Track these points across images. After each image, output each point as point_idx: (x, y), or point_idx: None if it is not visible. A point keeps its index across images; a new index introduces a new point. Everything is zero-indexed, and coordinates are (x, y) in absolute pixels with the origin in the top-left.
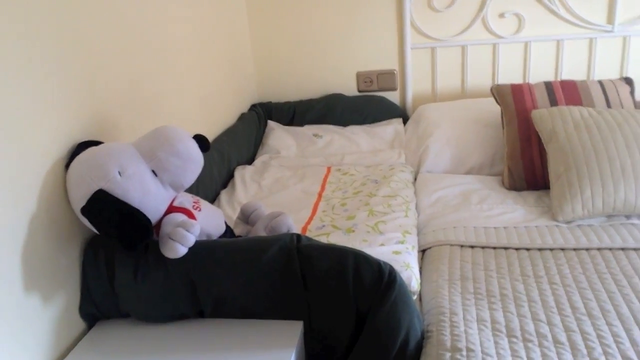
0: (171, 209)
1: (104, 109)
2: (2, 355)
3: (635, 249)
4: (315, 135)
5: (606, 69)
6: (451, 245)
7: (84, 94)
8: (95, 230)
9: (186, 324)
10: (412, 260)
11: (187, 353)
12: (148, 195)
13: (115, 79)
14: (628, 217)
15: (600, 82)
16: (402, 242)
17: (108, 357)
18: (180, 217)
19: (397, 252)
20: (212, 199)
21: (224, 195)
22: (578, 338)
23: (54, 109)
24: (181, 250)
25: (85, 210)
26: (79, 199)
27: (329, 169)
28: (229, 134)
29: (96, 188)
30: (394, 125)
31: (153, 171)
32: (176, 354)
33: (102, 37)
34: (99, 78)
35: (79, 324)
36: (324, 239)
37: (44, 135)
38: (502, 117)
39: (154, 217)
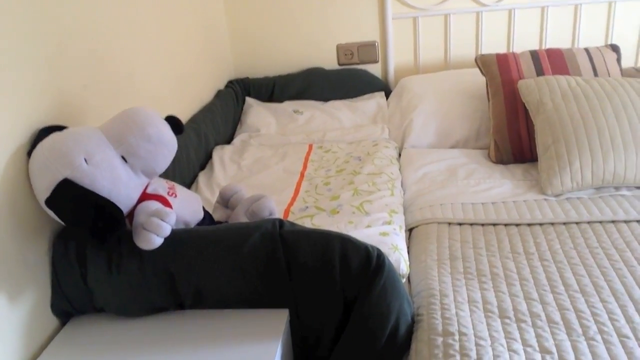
0: (144, 197)
1: (68, 89)
2: None
3: (625, 221)
4: (296, 111)
5: (591, 36)
6: (439, 223)
7: (44, 72)
8: (63, 223)
9: (165, 316)
10: (400, 241)
11: (168, 347)
12: (118, 183)
13: (79, 56)
14: (617, 188)
15: (587, 50)
16: (389, 223)
17: (84, 354)
18: (154, 205)
19: (384, 234)
20: (190, 181)
21: (202, 177)
22: (572, 316)
23: (11, 90)
24: (156, 241)
25: (50, 202)
26: (43, 190)
27: (310, 146)
28: (205, 113)
29: (61, 177)
30: (377, 99)
31: (123, 157)
32: (156, 348)
33: (65, 9)
34: (62, 55)
35: (52, 321)
36: (307, 222)
37: (2, 120)
38: (487, 89)
39: (125, 206)
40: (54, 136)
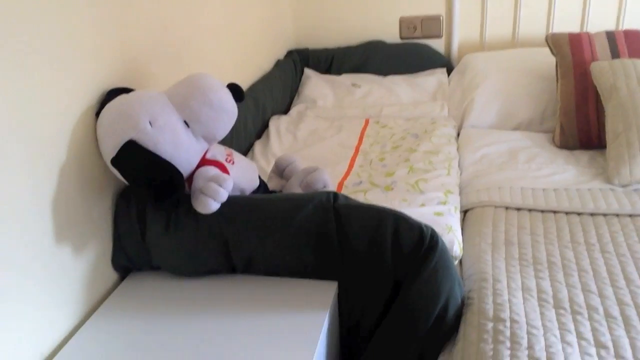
0: (204, 162)
1: (135, 54)
2: (34, 307)
3: None
4: (354, 84)
5: None
6: (496, 206)
7: (113, 37)
8: (126, 182)
9: (218, 279)
10: (455, 222)
11: (218, 309)
12: (180, 148)
13: (145, 22)
14: None
15: None
16: (444, 203)
17: (140, 308)
18: (212, 170)
19: (438, 214)
20: (246, 149)
21: (258, 146)
22: (632, 312)
23: (83, 53)
24: (213, 206)
25: (115, 162)
26: (110, 150)
27: (367, 121)
28: (264, 82)
29: (127, 138)
30: (437, 76)
31: (185, 122)
32: (207, 308)
33: None
34: (129, 21)
35: (112, 275)
36: (360, 197)
37: (73, 81)
38: (556, 69)
39: (185, 170)
40: (120, 98)
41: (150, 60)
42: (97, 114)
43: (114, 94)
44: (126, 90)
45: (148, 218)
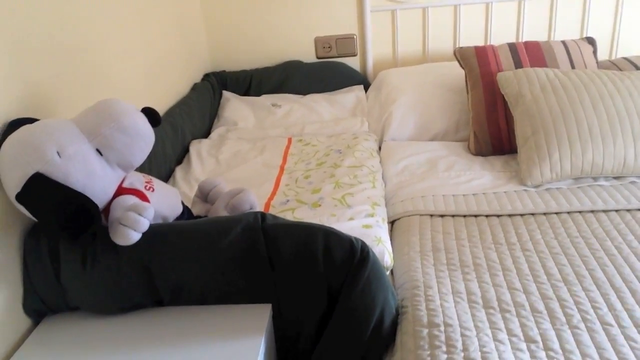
0: (121, 191)
1: (38, 80)
2: None
3: (604, 211)
4: (274, 105)
5: (567, 29)
6: (421, 215)
7: (13, 62)
8: (35, 218)
9: (143, 313)
10: (384, 233)
11: (145, 345)
12: (93, 177)
13: (50, 45)
14: (595, 179)
15: (564, 43)
16: (371, 215)
17: (58, 354)
18: (131, 199)
19: (367, 226)
20: (166, 176)
21: (179, 171)
22: (556, 305)
23: None
24: (134, 237)
25: (21, 197)
26: (14, 185)
27: (289, 139)
28: (181, 106)
29: (32, 172)
30: (355, 92)
31: (98, 150)
32: (133, 346)
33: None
34: (32, 44)
35: (24, 321)
36: (289, 215)
37: None
38: (466, 81)
39: (101, 201)
40: (24, 129)
41: (57, 87)
42: None
43: (16, 125)
44: (30, 121)
45: (62, 255)
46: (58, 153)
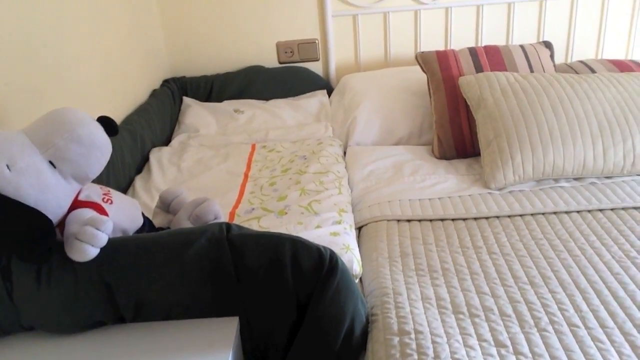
0: (76, 204)
1: None
2: None
3: (566, 212)
4: (236, 110)
5: (524, 34)
6: (388, 220)
7: None
8: None
9: (104, 332)
10: (352, 241)
11: None
12: (46, 191)
13: None
14: (556, 180)
15: (522, 47)
16: (339, 222)
17: None
18: (88, 213)
19: (335, 234)
20: (126, 186)
21: (138, 181)
22: (524, 308)
23: None
24: (91, 252)
25: None
26: None
27: (253, 146)
28: (140, 113)
29: None
30: (319, 97)
31: (51, 162)
32: None
33: None
34: None
35: None
36: (255, 224)
37: None
38: (428, 85)
39: (55, 215)
40: None
41: (6, 95)
42: None
43: None
44: None
45: (14, 274)
46: (7, 166)
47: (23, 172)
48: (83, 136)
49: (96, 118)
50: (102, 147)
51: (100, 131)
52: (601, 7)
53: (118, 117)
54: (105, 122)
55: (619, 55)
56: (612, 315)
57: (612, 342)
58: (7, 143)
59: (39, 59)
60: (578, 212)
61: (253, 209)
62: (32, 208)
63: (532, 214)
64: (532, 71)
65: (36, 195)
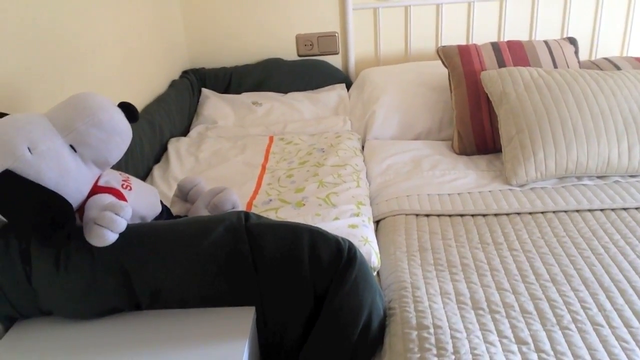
0: (96, 190)
1: (9, 72)
2: None
3: (589, 210)
4: (254, 103)
5: (548, 29)
6: (406, 214)
7: None
8: (4, 218)
9: (120, 318)
10: (370, 233)
11: (123, 351)
12: (67, 175)
13: (22, 37)
14: (579, 178)
15: (546, 42)
16: (357, 215)
17: None
18: (107, 198)
19: (353, 226)
20: (144, 175)
21: (157, 170)
22: (545, 306)
23: None
24: (110, 237)
25: None
26: None
27: (271, 138)
28: (159, 103)
29: (1, 169)
30: (337, 91)
31: (72, 146)
32: (110, 352)
33: None
34: (2, 35)
35: None
36: (272, 215)
37: None
38: (449, 80)
39: (75, 199)
40: None
41: (29, 80)
42: None
43: None
44: None
45: (33, 257)
46: (29, 149)
47: (44, 155)
48: (104, 121)
49: (117, 104)
50: (122, 133)
51: (121, 117)
52: (627, 3)
53: (137, 107)
54: (126, 108)
55: None
56: (636, 314)
57: (637, 342)
58: (29, 126)
59: (61, 45)
60: (601, 210)
61: (270, 200)
62: (53, 192)
63: (554, 212)
64: (555, 67)
65: (57, 179)
